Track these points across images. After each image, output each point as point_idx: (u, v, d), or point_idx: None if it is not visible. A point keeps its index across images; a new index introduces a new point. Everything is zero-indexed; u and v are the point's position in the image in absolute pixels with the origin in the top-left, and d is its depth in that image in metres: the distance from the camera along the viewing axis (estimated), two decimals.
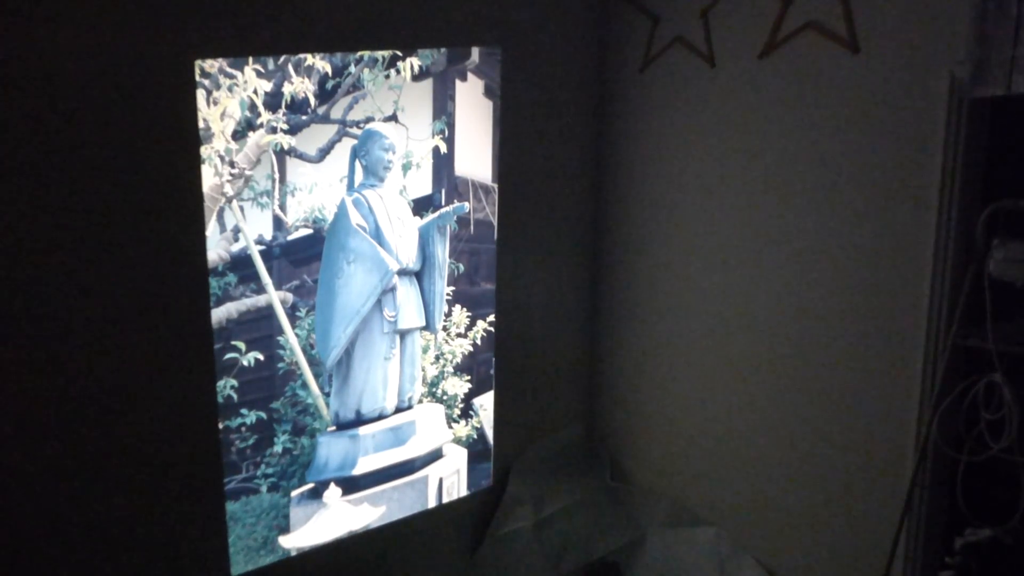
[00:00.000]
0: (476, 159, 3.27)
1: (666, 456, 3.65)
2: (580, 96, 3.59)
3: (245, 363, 2.84)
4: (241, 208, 2.75)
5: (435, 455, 3.39)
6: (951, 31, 2.64)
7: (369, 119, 2.96)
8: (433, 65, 3.06)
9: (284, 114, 2.76)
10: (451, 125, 3.16)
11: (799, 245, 3.10)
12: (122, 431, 2.62)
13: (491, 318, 3.45)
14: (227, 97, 2.62)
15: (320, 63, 2.81)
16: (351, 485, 3.17)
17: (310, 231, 2.92)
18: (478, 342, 3.42)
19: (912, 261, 2.82)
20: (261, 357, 2.88)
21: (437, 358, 3.33)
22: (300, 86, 2.77)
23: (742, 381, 3.33)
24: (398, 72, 2.98)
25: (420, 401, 3.30)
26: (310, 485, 3.09)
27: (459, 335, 3.37)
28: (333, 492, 3.14)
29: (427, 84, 3.08)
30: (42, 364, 2.45)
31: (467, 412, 3.47)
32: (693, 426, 3.52)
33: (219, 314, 2.75)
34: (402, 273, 3.14)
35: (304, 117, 2.81)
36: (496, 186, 3.36)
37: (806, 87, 3.00)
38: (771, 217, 3.16)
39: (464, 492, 3.52)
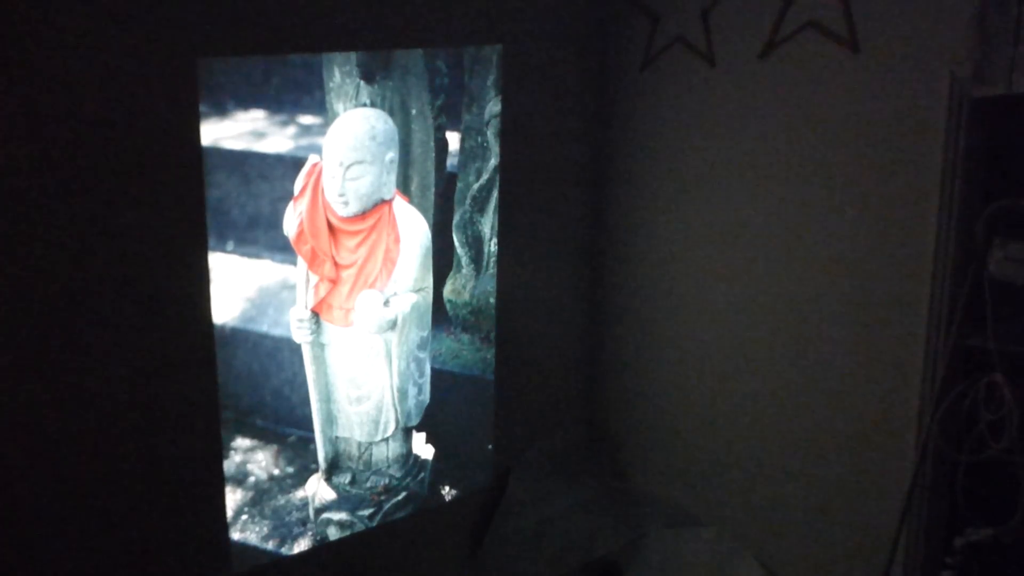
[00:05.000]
0: None
1: (666, 456, 3.65)
2: (580, 95, 3.59)
3: None
4: None
5: None
6: (951, 31, 2.64)
7: None
8: None
9: None
10: None
11: (798, 246, 3.10)
12: (122, 431, 2.62)
13: None
14: None
15: None
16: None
17: None
18: None
19: (912, 261, 2.82)
20: None
21: None
22: None
23: (742, 380, 3.33)
24: None
25: None
26: None
27: None
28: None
29: None
30: (42, 364, 2.45)
31: None
32: (694, 426, 3.52)
33: None
34: None
35: None
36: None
37: (806, 87, 3.00)
38: (771, 217, 3.16)
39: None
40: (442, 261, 3.28)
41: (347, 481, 3.20)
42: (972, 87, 2.61)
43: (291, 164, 2.90)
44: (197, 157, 2.62)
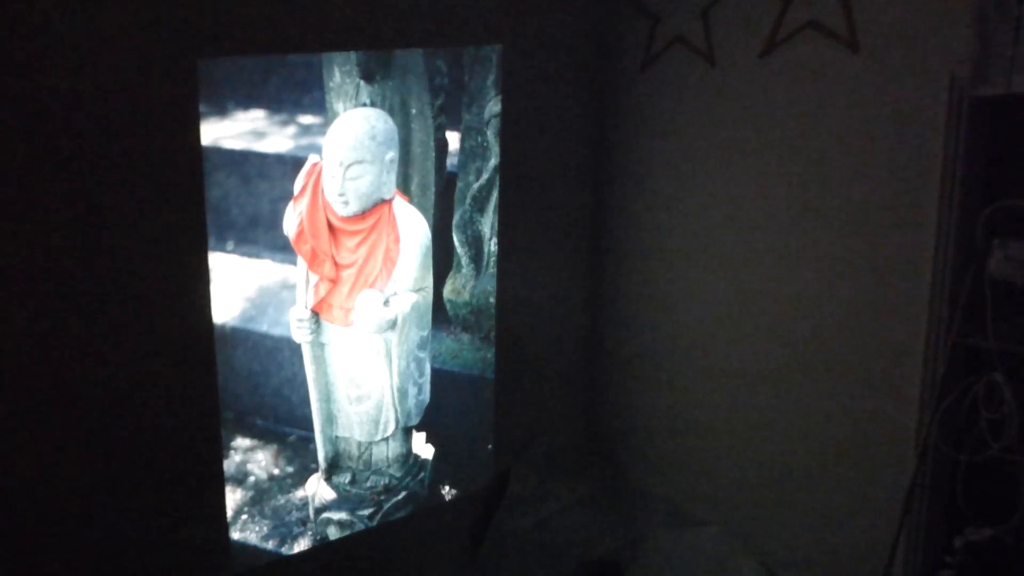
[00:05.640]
0: None
1: (666, 456, 3.65)
2: (580, 95, 3.59)
3: None
4: None
5: None
6: (951, 31, 2.64)
7: None
8: None
9: None
10: None
11: (799, 245, 3.10)
12: (123, 431, 2.62)
13: None
14: None
15: None
16: None
17: None
18: None
19: (912, 261, 2.82)
20: None
21: None
22: None
23: (742, 380, 3.33)
24: None
25: None
26: None
27: None
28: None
29: None
30: (42, 363, 2.45)
31: None
32: (693, 426, 3.52)
33: None
34: None
35: None
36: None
37: (806, 87, 3.00)
38: (771, 217, 3.16)
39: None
40: (442, 261, 3.28)
41: (347, 481, 3.20)
42: (972, 87, 2.61)
43: (291, 164, 2.90)
44: (197, 157, 2.62)
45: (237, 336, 2.88)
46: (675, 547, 3.50)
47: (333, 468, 3.17)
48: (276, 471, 3.06)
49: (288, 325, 3.00)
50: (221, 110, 2.67)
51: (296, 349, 3.03)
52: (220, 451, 2.85)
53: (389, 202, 3.04)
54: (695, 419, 3.51)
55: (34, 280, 2.40)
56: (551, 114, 3.51)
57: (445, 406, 3.38)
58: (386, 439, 3.23)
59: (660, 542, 3.53)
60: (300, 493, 3.12)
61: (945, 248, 2.74)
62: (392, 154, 3.01)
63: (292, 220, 2.91)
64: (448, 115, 3.16)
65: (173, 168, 2.57)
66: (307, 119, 2.89)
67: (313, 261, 2.97)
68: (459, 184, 3.27)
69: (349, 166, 2.93)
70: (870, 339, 2.95)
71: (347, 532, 3.20)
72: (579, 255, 3.75)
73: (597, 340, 3.83)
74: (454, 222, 3.29)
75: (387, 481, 3.27)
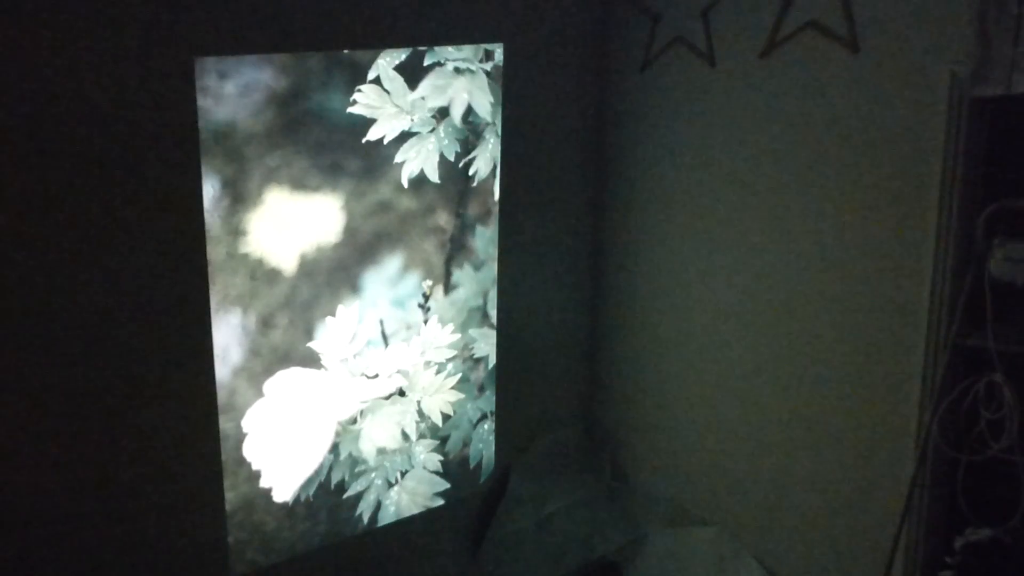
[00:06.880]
0: None
1: (666, 456, 3.65)
2: (580, 95, 3.59)
3: None
4: None
5: None
6: (951, 31, 2.64)
7: None
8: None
9: None
10: None
11: (799, 245, 3.10)
12: (122, 430, 2.62)
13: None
14: None
15: None
16: None
17: None
18: None
19: (912, 261, 2.82)
20: None
21: None
22: None
23: (742, 381, 3.33)
24: None
25: None
26: None
27: None
28: None
29: None
30: (42, 364, 2.45)
31: None
32: (693, 426, 3.52)
33: None
34: None
35: None
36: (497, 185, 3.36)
37: (806, 87, 3.00)
38: (771, 217, 3.16)
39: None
40: None
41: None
42: (972, 87, 2.61)
43: None
44: (196, 156, 2.61)
45: None
46: (675, 547, 3.50)
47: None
48: None
49: None
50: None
51: None
52: (219, 452, 2.85)
53: None
54: (695, 419, 3.52)
55: (32, 279, 2.40)
56: (551, 114, 3.51)
57: None
58: None
59: (660, 542, 3.53)
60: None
61: (945, 248, 2.74)
62: None
63: None
64: None
65: (171, 167, 2.57)
66: None
67: None
68: None
69: None
70: (870, 339, 2.95)
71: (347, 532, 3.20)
72: (579, 255, 3.75)
73: (598, 340, 3.84)
74: None
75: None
